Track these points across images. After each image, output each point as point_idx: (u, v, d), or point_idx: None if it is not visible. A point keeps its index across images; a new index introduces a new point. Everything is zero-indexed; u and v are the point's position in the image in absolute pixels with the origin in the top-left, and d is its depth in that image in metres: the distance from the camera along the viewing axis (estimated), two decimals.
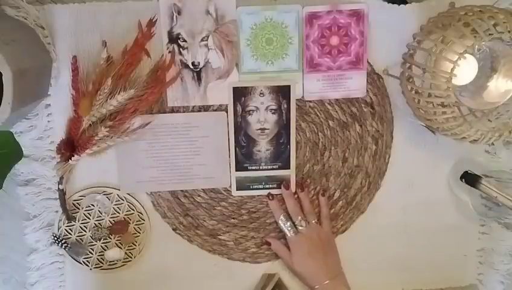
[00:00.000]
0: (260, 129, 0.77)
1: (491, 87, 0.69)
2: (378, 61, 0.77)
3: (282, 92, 0.76)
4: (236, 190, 0.79)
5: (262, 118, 0.77)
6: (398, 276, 0.81)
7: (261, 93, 0.75)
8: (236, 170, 0.78)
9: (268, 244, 0.80)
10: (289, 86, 0.76)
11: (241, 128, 0.77)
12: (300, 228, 0.77)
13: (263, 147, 0.78)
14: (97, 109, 0.71)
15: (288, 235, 0.77)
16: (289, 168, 0.79)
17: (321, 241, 0.77)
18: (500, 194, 0.74)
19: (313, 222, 0.77)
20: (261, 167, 0.79)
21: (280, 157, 0.78)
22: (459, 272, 0.85)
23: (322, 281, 0.74)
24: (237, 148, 0.78)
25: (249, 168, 0.79)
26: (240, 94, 0.76)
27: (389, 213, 0.81)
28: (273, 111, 0.77)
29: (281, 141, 0.78)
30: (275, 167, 0.79)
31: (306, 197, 0.78)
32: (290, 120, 0.77)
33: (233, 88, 0.76)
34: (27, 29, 0.70)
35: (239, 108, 0.76)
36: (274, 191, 0.79)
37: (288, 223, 0.77)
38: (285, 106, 0.76)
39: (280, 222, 0.78)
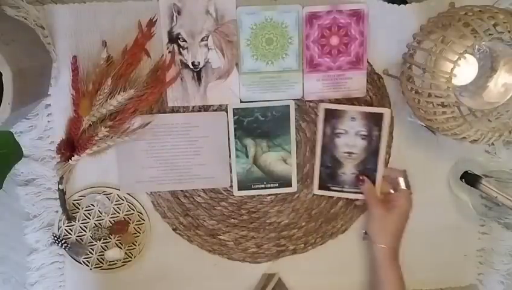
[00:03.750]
0: (347, 153, 0.77)
1: (491, 87, 0.69)
2: (378, 61, 0.77)
3: (375, 119, 0.76)
4: (238, 189, 0.79)
5: (351, 142, 0.77)
6: None
7: (352, 118, 0.76)
8: (319, 189, 0.79)
9: (361, 181, 0.78)
10: (382, 113, 0.76)
11: (328, 150, 0.77)
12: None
13: (348, 170, 0.78)
14: (97, 109, 0.71)
15: (403, 187, 0.76)
16: None
17: (408, 213, 0.77)
18: (500, 194, 0.74)
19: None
20: (344, 189, 0.79)
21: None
22: (459, 272, 0.85)
23: (383, 243, 0.75)
24: (322, 168, 0.78)
25: (332, 188, 0.79)
26: (331, 116, 0.76)
27: None
28: (363, 137, 0.77)
29: (367, 167, 0.78)
30: (358, 191, 0.78)
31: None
32: (380, 148, 0.77)
33: (325, 110, 0.76)
34: (27, 29, 0.70)
35: (328, 130, 0.76)
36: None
37: (406, 178, 0.77)
38: (376, 133, 0.76)
39: (404, 173, 0.77)
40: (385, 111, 0.76)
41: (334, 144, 0.77)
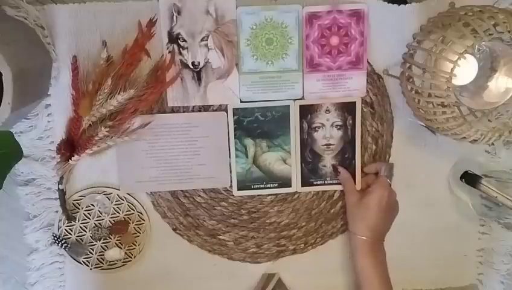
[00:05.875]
0: (326, 145, 0.78)
1: (491, 87, 0.69)
2: (378, 61, 0.77)
3: (348, 108, 0.77)
4: (238, 190, 0.79)
5: (328, 134, 0.77)
6: (398, 276, 0.81)
7: (327, 110, 0.76)
8: (302, 185, 0.79)
9: (337, 171, 0.79)
10: (354, 102, 0.77)
11: (307, 145, 0.78)
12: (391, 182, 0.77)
13: (328, 163, 0.79)
14: (97, 109, 0.71)
15: (383, 175, 0.76)
16: (355, 183, 0.79)
17: (390, 205, 0.76)
18: (500, 194, 0.74)
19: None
20: (326, 182, 0.79)
21: None
22: (459, 272, 0.85)
23: (362, 234, 0.74)
24: (303, 164, 0.78)
25: (315, 183, 0.79)
26: (306, 112, 0.77)
27: None
28: (338, 127, 0.77)
29: (346, 156, 0.78)
30: (340, 181, 0.79)
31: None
32: (356, 135, 0.78)
33: (300, 106, 0.76)
34: (27, 29, 0.70)
35: (305, 125, 0.77)
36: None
37: (389, 169, 0.77)
38: (351, 121, 0.77)
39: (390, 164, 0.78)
40: (357, 99, 0.77)
41: (312, 138, 0.78)
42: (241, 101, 0.77)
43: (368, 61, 0.77)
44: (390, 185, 0.77)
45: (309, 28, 0.75)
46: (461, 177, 0.78)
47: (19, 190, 0.77)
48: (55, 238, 0.77)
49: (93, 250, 0.79)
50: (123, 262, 0.79)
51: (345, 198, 0.79)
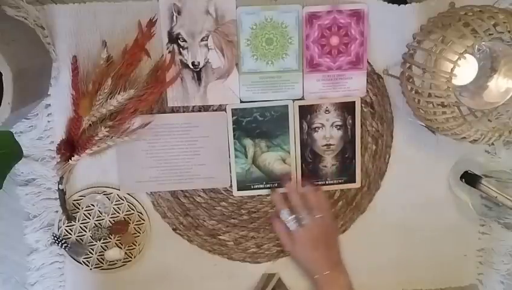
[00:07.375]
0: (326, 145, 0.78)
1: (491, 87, 0.69)
2: (378, 61, 0.77)
3: (347, 108, 0.77)
4: (238, 190, 0.79)
5: (328, 134, 0.77)
6: (398, 276, 0.81)
7: (326, 110, 0.76)
8: (302, 186, 0.79)
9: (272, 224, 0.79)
10: (354, 101, 0.77)
11: (307, 145, 0.78)
12: (304, 222, 0.75)
13: (329, 163, 0.78)
14: (97, 109, 0.71)
15: (292, 228, 0.76)
16: (355, 182, 0.79)
17: (324, 234, 0.76)
18: (500, 194, 0.74)
19: (317, 216, 0.75)
20: (327, 182, 0.79)
21: (346, 171, 0.79)
22: (459, 272, 0.85)
23: (322, 272, 0.74)
24: (303, 164, 0.78)
25: (315, 183, 0.79)
26: (306, 112, 0.77)
27: (389, 213, 0.82)
28: (338, 127, 0.77)
29: (346, 156, 0.78)
30: (340, 181, 0.79)
31: (312, 191, 0.77)
32: (356, 135, 0.78)
33: (299, 106, 0.76)
34: (27, 29, 0.70)
35: (305, 125, 0.77)
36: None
37: (291, 217, 0.76)
38: (350, 121, 0.77)
39: (282, 215, 0.76)
40: (356, 99, 0.77)
41: (312, 138, 0.78)
42: (241, 101, 0.77)
43: (368, 61, 0.77)
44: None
45: (309, 28, 0.75)
46: (461, 177, 0.78)
47: (19, 190, 0.77)
48: (55, 238, 0.77)
49: (93, 250, 0.79)
50: (123, 262, 0.79)
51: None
